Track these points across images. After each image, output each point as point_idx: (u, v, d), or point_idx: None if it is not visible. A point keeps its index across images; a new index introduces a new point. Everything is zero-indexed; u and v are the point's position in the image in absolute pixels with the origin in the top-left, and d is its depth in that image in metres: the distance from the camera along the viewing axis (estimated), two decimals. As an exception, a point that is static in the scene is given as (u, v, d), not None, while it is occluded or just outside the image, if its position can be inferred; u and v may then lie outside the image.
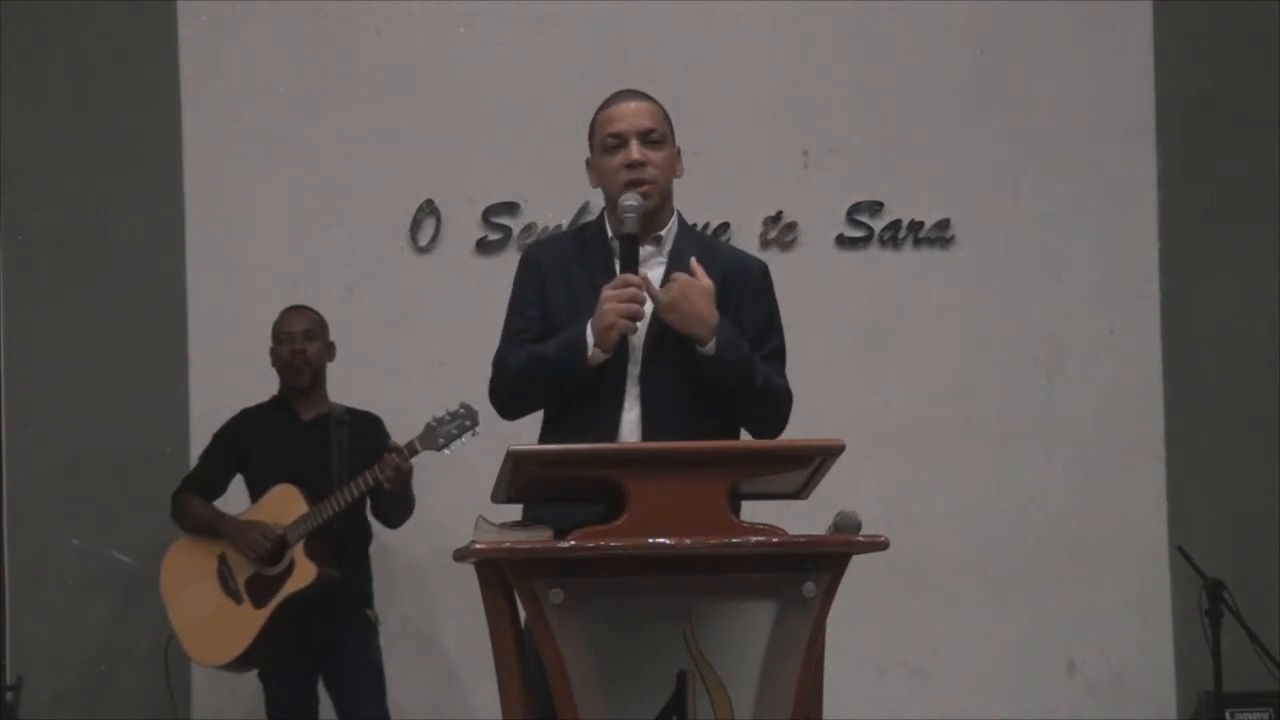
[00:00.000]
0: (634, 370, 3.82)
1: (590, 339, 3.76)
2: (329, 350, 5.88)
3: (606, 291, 3.74)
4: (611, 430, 3.79)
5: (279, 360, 5.83)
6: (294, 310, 5.88)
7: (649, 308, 3.79)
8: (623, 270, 3.78)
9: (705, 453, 3.48)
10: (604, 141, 3.89)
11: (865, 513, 3.44)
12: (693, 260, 3.81)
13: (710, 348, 3.76)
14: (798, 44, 6.48)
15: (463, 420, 5.45)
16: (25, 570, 6.22)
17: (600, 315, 3.74)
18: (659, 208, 3.89)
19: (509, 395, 3.94)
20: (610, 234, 3.92)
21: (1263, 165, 6.53)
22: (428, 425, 5.49)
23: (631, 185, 3.83)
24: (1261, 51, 6.55)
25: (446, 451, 5.48)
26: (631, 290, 3.74)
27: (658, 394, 3.80)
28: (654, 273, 3.87)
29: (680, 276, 3.78)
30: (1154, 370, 6.50)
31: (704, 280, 3.77)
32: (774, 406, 3.87)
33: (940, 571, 6.39)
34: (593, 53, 6.34)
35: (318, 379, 5.84)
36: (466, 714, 6.19)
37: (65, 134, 6.31)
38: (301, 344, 5.81)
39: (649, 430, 3.78)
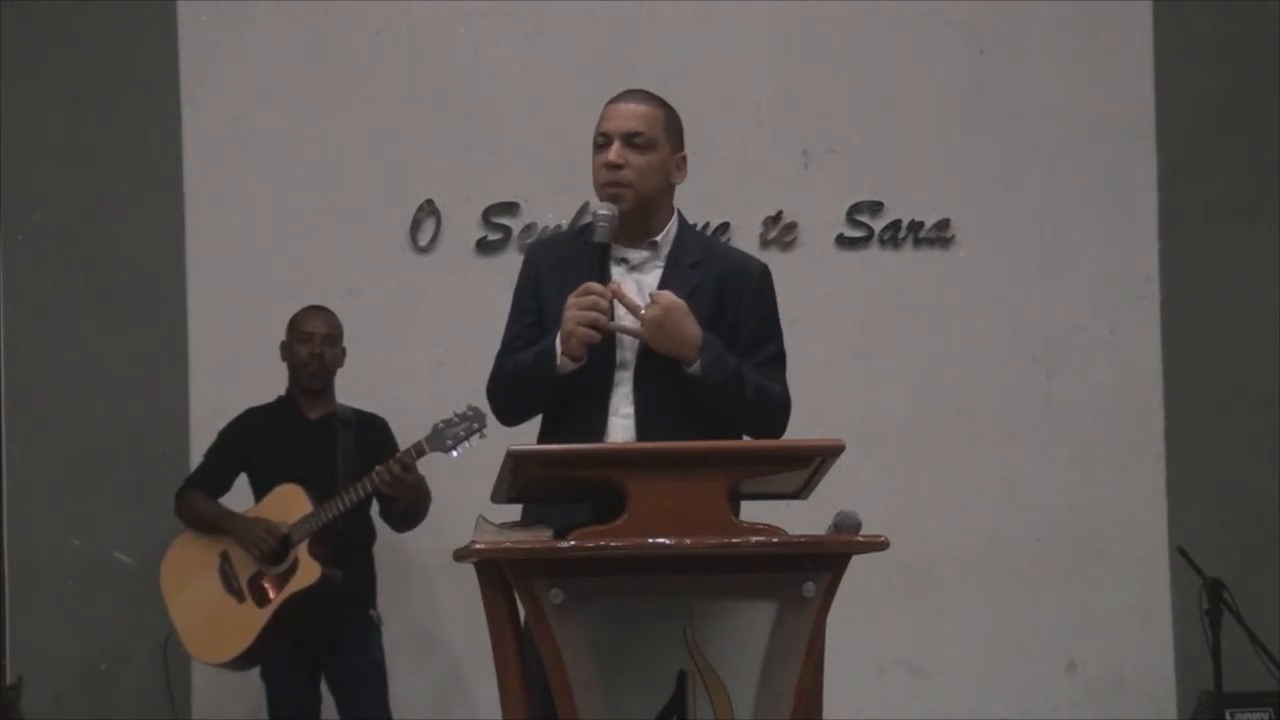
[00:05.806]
0: (629, 373, 3.82)
1: (559, 347, 3.77)
2: (342, 355, 5.88)
3: (570, 299, 3.75)
4: (606, 432, 3.79)
5: (295, 358, 5.82)
6: (316, 311, 5.87)
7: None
8: (592, 279, 3.77)
9: (705, 453, 3.49)
10: (595, 139, 3.90)
11: (865, 513, 3.44)
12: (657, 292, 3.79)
13: (696, 369, 3.76)
14: (798, 44, 6.48)
15: (470, 423, 5.44)
16: (25, 570, 6.21)
17: (563, 323, 3.75)
18: (650, 212, 3.88)
19: (501, 403, 3.98)
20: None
21: (1263, 165, 6.52)
22: (435, 427, 5.48)
23: (607, 186, 3.84)
24: (1261, 51, 6.54)
25: (454, 454, 5.47)
26: (592, 299, 3.73)
27: (653, 396, 3.80)
28: (651, 277, 3.88)
29: (662, 296, 3.74)
30: (1154, 370, 6.50)
31: (679, 300, 3.74)
32: (768, 415, 3.86)
33: (940, 571, 6.39)
34: (593, 53, 6.34)
35: (328, 382, 5.84)
36: (468, 713, 6.19)
37: (65, 134, 6.31)
38: (320, 347, 5.81)
39: (644, 432, 3.78)
